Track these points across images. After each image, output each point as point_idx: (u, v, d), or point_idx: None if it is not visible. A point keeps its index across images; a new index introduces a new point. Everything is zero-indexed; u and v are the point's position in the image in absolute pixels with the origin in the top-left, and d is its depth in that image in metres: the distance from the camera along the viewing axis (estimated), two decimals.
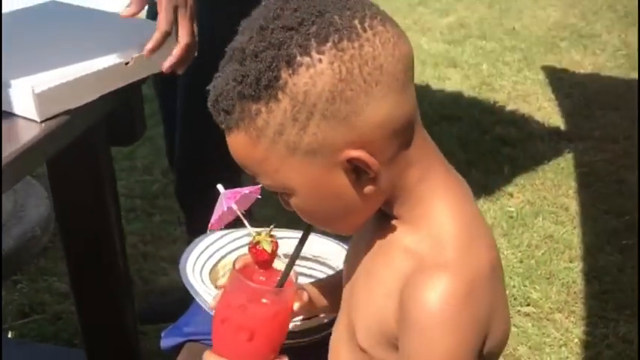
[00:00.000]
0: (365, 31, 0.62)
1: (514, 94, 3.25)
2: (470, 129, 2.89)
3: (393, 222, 0.72)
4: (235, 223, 0.92)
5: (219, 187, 0.81)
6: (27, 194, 2.13)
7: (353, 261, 0.79)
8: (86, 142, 1.18)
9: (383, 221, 0.73)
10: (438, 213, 0.69)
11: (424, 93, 3.23)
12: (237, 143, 0.66)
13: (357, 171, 0.67)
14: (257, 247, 0.78)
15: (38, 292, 1.89)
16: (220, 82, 0.65)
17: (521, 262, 2.09)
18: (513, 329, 1.81)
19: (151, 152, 2.61)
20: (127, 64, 1.05)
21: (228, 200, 0.80)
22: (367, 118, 0.63)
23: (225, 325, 0.79)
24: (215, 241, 1.13)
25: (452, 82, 3.37)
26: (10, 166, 0.88)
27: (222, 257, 1.12)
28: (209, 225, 0.79)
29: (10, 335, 1.74)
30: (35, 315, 1.81)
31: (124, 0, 1.03)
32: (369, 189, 0.68)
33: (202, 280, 1.05)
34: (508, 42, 3.87)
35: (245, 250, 1.13)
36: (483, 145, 2.77)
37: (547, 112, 3.07)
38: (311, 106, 0.62)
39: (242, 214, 0.83)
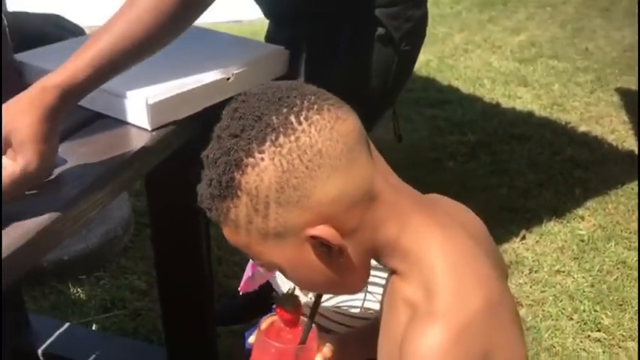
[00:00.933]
0: (300, 123, 0.68)
1: (587, 115, 3.20)
2: (541, 149, 2.87)
3: (395, 276, 0.76)
4: None
5: None
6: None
7: (382, 313, 0.83)
8: (182, 152, 1.25)
9: (391, 275, 0.78)
10: (425, 260, 0.72)
11: (494, 111, 3.23)
12: (226, 234, 0.75)
13: (324, 246, 0.71)
14: (280, 307, 0.83)
15: (119, 288, 1.99)
16: (200, 186, 0.74)
17: (592, 286, 2.06)
18: (583, 354, 1.80)
19: None
20: (228, 79, 1.12)
21: (254, 265, 0.86)
22: (319, 199, 0.69)
23: None
24: None
25: (522, 101, 3.35)
26: (126, 168, 0.96)
27: None
28: (239, 288, 0.86)
29: (93, 328, 1.83)
30: (116, 310, 1.91)
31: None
32: (341, 260, 0.72)
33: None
34: (580, 62, 3.81)
35: None
36: (554, 166, 2.74)
37: (621, 134, 3.02)
38: (264, 197, 0.68)
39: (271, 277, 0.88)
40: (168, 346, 1.61)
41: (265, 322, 0.86)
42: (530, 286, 2.07)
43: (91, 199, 0.90)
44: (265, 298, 0.99)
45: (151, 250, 2.17)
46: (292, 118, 0.69)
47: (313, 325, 0.83)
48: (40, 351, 1.66)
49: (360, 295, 1.22)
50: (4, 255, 0.73)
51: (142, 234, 2.25)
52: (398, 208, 0.73)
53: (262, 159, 0.68)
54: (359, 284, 0.79)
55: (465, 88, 3.48)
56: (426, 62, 3.73)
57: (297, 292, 0.86)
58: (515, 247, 2.24)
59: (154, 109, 1.02)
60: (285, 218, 0.69)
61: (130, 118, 1.04)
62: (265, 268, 0.80)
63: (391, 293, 0.77)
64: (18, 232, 0.76)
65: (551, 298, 2.01)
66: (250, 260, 0.87)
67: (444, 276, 0.71)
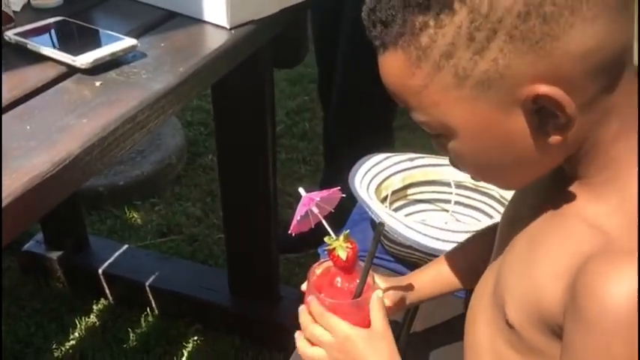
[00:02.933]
0: None
1: None
2: None
3: (574, 184, 0.58)
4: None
5: (301, 190, 0.75)
6: (163, 124, 2.23)
7: (512, 223, 0.66)
8: (253, 61, 1.21)
9: (559, 181, 0.59)
10: (635, 182, 0.53)
11: None
12: (392, 67, 0.54)
13: (541, 114, 0.52)
14: (334, 253, 0.74)
15: (175, 214, 1.98)
16: None
17: None
18: None
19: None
20: None
21: (305, 205, 0.76)
22: (568, 45, 0.49)
23: None
24: (379, 162, 1.14)
25: None
26: (206, 69, 0.91)
27: (386, 178, 1.13)
28: (290, 229, 0.77)
29: (151, 250, 1.84)
30: (173, 235, 1.90)
31: None
32: (554, 139, 0.53)
33: (369, 197, 1.06)
34: None
35: (410, 172, 1.14)
36: None
37: None
38: (496, 21, 0.48)
39: (324, 216, 0.75)
40: (230, 269, 1.60)
41: (319, 268, 0.78)
42: None
43: (171, 95, 0.86)
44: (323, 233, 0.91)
45: (204, 178, 2.17)
46: None
47: (370, 273, 0.74)
48: (100, 270, 1.67)
49: (438, 216, 1.17)
50: (76, 153, 0.69)
51: (195, 163, 2.23)
52: (629, 103, 0.53)
53: None
54: (526, 180, 0.60)
55: None
56: None
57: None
58: None
59: (234, 5, 0.96)
60: (508, 61, 0.49)
61: (207, 15, 0.99)
62: (424, 127, 0.58)
63: (558, 203, 0.58)
64: (85, 131, 0.71)
65: None
66: (302, 199, 0.74)
67: None
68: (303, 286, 0.80)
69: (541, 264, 0.58)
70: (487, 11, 0.48)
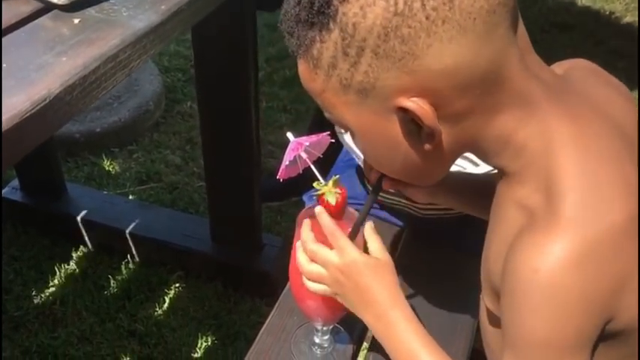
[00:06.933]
0: None
1: (632, 5, 3.04)
2: (583, 39, 2.74)
3: (505, 176, 0.62)
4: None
5: (289, 134, 0.73)
6: (141, 69, 2.17)
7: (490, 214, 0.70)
8: (233, 5, 1.17)
9: (499, 175, 0.64)
10: (545, 158, 0.57)
11: None
12: (301, 71, 0.61)
13: (415, 122, 0.57)
14: (323, 198, 0.73)
15: (154, 162, 1.95)
16: (287, 3, 0.59)
17: None
18: None
19: None
20: None
21: (294, 150, 0.72)
22: (429, 64, 0.53)
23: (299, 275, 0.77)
24: None
25: None
26: (188, 7, 0.88)
27: None
28: (277, 174, 0.74)
29: (130, 198, 1.81)
30: (152, 183, 1.88)
31: None
32: (427, 146, 0.58)
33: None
34: None
35: None
36: (598, 56, 2.62)
37: None
38: (360, 40, 0.53)
39: (313, 162, 0.74)
40: (211, 217, 1.59)
41: (307, 213, 0.77)
42: None
43: (153, 34, 0.82)
44: (306, 182, 0.85)
45: (183, 126, 2.13)
46: None
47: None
48: (79, 218, 1.65)
49: None
50: (56, 92, 0.66)
51: (173, 110, 2.19)
52: (524, 94, 0.57)
53: None
54: (435, 177, 0.66)
55: None
56: None
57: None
58: None
59: None
60: (377, 75, 0.55)
61: None
62: (334, 124, 0.66)
63: (499, 197, 0.64)
64: (65, 70, 0.68)
65: None
66: (291, 144, 0.74)
67: (575, 178, 0.55)
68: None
69: (491, 250, 0.64)
70: (352, 31, 0.54)
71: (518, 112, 0.58)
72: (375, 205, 1.07)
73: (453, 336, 0.90)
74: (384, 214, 1.09)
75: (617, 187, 0.55)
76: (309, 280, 0.75)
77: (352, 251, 0.71)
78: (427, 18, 0.52)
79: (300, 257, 0.75)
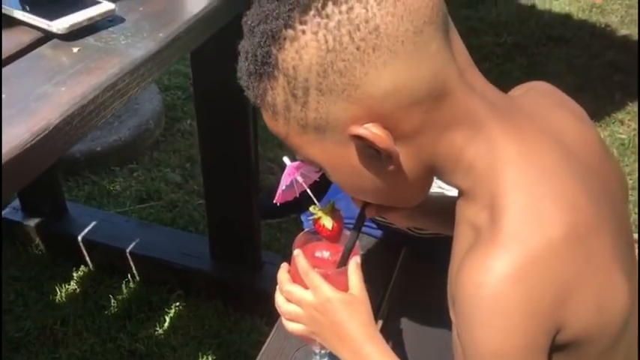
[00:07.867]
0: None
1: (627, 18, 3.06)
2: (579, 52, 2.76)
3: (461, 195, 0.64)
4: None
5: (285, 159, 0.75)
6: None
7: None
8: (233, 24, 1.18)
9: (459, 195, 0.65)
10: (491, 175, 0.59)
11: (530, 12, 3.09)
12: (265, 119, 0.63)
13: (374, 148, 0.59)
14: (319, 222, 0.75)
15: (154, 180, 1.96)
16: (240, 60, 0.62)
17: (633, 189, 2.02)
18: None
19: None
20: None
21: (290, 174, 0.74)
22: (369, 91, 0.56)
23: None
24: None
25: (559, 2, 3.20)
26: (186, 34, 0.89)
27: None
28: (274, 199, 0.75)
29: (131, 216, 1.82)
30: (152, 202, 1.89)
31: None
32: (390, 168, 0.60)
33: None
34: None
35: None
36: (593, 69, 2.64)
37: None
38: (303, 81, 0.56)
39: (309, 185, 0.76)
40: (211, 235, 1.60)
41: (302, 239, 0.78)
42: None
43: (151, 62, 0.83)
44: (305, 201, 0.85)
45: (183, 144, 2.14)
46: None
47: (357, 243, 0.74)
48: (79, 237, 1.66)
49: None
50: (55, 123, 0.67)
51: (173, 128, 2.21)
52: (469, 112, 0.59)
53: (303, 32, 0.55)
54: (413, 199, 0.68)
55: None
56: None
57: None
58: None
59: None
60: (327, 110, 0.57)
61: None
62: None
63: (457, 216, 0.65)
64: (65, 100, 0.69)
65: None
66: (287, 168, 0.75)
67: (515, 194, 0.57)
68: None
69: (451, 269, 0.65)
70: (294, 74, 0.56)
71: (465, 129, 0.60)
72: (372, 225, 1.08)
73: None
74: (380, 233, 1.10)
75: (559, 201, 0.57)
76: (286, 320, 0.76)
77: (326, 289, 0.72)
78: (358, 49, 0.54)
79: (278, 298, 0.77)
